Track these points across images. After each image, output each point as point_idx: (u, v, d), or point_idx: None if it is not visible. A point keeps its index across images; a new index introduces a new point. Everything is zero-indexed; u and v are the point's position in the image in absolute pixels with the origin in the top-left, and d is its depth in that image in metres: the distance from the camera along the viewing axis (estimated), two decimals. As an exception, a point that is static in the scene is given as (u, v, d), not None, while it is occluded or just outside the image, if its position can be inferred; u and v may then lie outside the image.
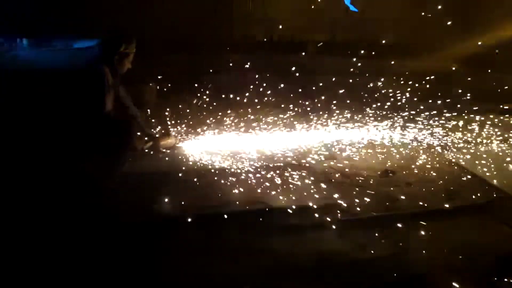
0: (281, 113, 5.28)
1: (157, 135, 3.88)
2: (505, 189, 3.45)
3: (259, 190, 3.24)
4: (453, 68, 8.05)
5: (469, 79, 7.13)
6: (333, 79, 6.43)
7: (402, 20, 8.76)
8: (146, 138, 3.70)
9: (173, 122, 4.66)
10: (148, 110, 5.06)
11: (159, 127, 4.38)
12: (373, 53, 8.97)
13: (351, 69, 7.30)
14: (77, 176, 3.21)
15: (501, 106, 6.23)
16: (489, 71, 7.63)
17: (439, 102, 6.23)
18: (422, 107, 5.88)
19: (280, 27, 8.50)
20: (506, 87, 7.00)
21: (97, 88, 3.14)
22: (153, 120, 4.42)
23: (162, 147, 3.83)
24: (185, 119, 4.78)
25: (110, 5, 7.57)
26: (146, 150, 3.71)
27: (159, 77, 6.47)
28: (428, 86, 6.82)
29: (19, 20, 7.52)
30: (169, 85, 6.31)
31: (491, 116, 5.73)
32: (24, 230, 2.62)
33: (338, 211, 3.01)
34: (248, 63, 7.29)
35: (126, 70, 3.43)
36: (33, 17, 7.48)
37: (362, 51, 8.99)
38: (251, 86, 5.96)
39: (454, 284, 2.37)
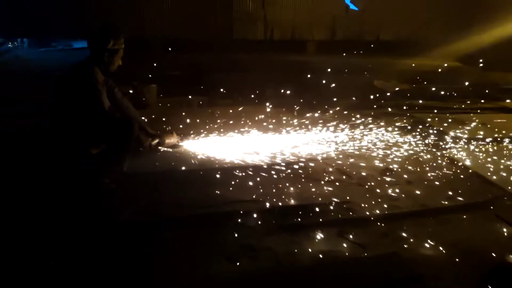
0: (280, 113, 5.28)
1: (159, 133, 3.88)
2: (505, 187, 3.45)
3: (258, 189, 3.24)
4: (453, 65, 8.06)
5: (468, 76, 7.14)
6: (332, 77, 6.44)
7: (402, 19, 8.76)
8: (150, 137, 3.70)
9: (173, 121, 4.67)
10: (148, 110, 5.08)
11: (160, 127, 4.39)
12: (373, 51, 9.01)
13: (351, 68, 7.31)
14: (77, 174, 3.22)
15: (500, 103, 6.24)
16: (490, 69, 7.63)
17: (438, 99, 6.24)
18: (421, 105, 5.89)
19: (280, 26, 8.53)
20: (505, 85, 7.01)
21: (88, 90, 3.09)
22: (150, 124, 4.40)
23: (165, 145, 3.84)
24: (186, 118, 4.79)
25: (111, 5, 7.60)
26: (152, 148, 3.71)
27: (159, 77, 6.49)
28: (427, 83, 6.84)
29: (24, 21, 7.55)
30: (169, 85, 6.33)
31: (491, 114, 5.72)
32: (20, 227, 2.64)
33: (338, 210, 3.00)
34: (248, 63, 7.31)
35: (117, 67, 3.33)
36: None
37: (362, 50, 9.02)
38: (251, 86, 5.97)
39: (453, 283, 2.37)
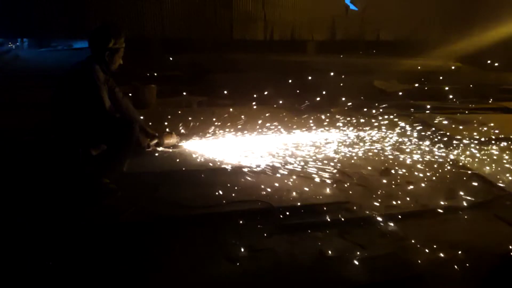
0: (280, 113, 5.28)
1: (158, 134, 3.88)
2: (505, 187, 3.45)
3: (258, 190, 3.24)
4: (453, 66, 8.06)
5: (469, 76, 7.13)
6: (332, 78, 6.44)
7: (402, 19, 8.76)
8: (149, 138, 3.70)
9: (173, 121, 4.67)
10: (148, 110, 5.08)
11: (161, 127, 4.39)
12: (373, 51, 9.00)
13: (351, 68, 7.30)
14: (77, 174, 3.22)
15: (501, 104, 6.24)
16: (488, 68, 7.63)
17: (438, 99, 6.23)
18: (421, 105, 5.88)
19: (280, 26, 8.52)
20: (506, 85, 7.01)
21: (90, 87, 3.10)
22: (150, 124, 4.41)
23: (165, 146, 3.84)
24: (185, 119, 4.79)
25: (111, 5, 7.60)
26: (151, 148, 3.72)
27: (159, 77, 6.49)
28: (427, 83, 6.83)
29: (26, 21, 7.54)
30: (169, 85, 6.32)
31: (491, 114, 5.71)
32: (19, 227, 2.63)
33: (338, 210, 3.00)
34: (248, 63, 7.31)
35: (118, 66, 3.34)
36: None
37: (362, 50, 9.01)
38: (251, 86, 5.96)
39: (453, 283, 2.38)
